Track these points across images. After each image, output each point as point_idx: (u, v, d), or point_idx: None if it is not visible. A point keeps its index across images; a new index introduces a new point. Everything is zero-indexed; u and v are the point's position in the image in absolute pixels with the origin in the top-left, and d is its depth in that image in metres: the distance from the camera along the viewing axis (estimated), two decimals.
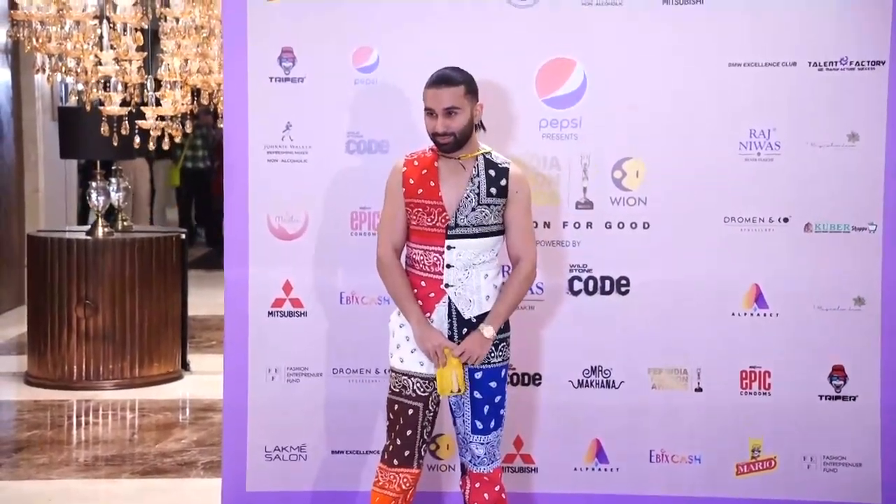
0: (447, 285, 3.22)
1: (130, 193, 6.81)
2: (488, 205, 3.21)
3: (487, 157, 3.26)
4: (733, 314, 3.92)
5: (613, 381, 3.92)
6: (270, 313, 3.92)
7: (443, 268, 3.21)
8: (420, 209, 3.23)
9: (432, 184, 3.22)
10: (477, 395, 3.24)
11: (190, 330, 6.50)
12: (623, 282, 3.90)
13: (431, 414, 3.26)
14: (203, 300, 7.62)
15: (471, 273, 3.21)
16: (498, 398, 3.26)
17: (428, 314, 3.24)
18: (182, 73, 5.99)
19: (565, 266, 3.91)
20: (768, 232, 3.88)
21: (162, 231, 6.70)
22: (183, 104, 6.05)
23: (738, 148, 3.88)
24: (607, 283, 3.91)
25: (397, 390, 3.27)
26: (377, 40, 3.85)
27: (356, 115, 3.88)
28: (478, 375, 3.24)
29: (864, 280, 3.88)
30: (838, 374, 3.90)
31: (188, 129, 6.34)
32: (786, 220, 3.88)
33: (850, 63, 3.79)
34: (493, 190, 3.22)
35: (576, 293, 3.91)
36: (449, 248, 3.20)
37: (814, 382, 3.92)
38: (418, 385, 3.24)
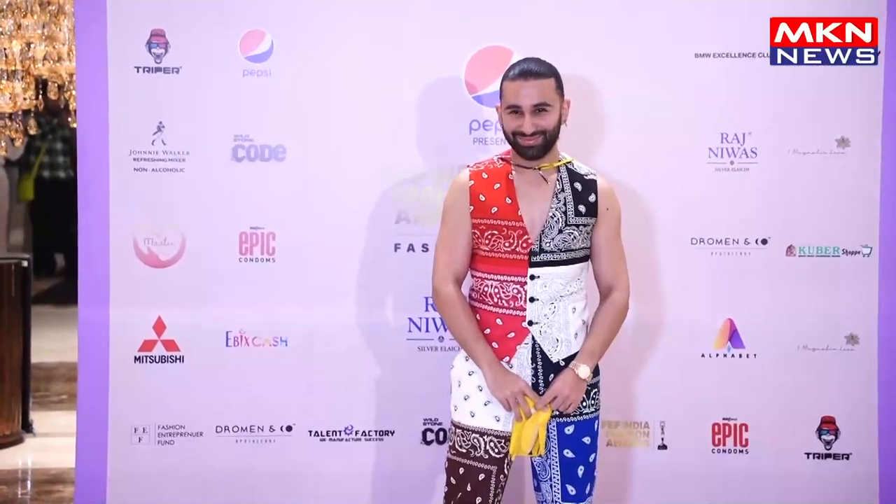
0: (531, 322, 3.28)
1: None
2: (577, 225, 3.29)
3: (570, 167, 3.34)
4: (703, 356, 4.03)
5: None
6: (137, 359, 3.93)
7: (525, 302, 3.28)
8: (494, 232, 3.28)
9: (509, 200, 3.28)
10: (568, 453, 3.30)
11: (33, 381, 6.37)
12: None
13: (505, 479, 3.30)
14: (51, 344, 7.51)
15: (557, 307, 3.29)
16: (592, 457, 3.33)
17: (507, 358, 3.29)
18: (24, 61, 5.93)
19: None
20: (743, 256, 4.00)
21: None
22: (25, 99, 5.99)
23: (708, 155, 4.00)
24: None
25: (464, 450, 3.29)
26: (271, 23, 3.90)
27: (245, 113, 3.93)
28: (569, 430, 3.30)
29: (857, 314, 4.01)
30: (828, 427, 4.03)
31: (32, 130, 6.28)
32: (764, 241, 4.00)
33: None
34: (582, 208, 3.30)
35: None
36: (532, 277, 3.27)
37: (799, 438, 4.04)
38: (492, 445, 3.28)
